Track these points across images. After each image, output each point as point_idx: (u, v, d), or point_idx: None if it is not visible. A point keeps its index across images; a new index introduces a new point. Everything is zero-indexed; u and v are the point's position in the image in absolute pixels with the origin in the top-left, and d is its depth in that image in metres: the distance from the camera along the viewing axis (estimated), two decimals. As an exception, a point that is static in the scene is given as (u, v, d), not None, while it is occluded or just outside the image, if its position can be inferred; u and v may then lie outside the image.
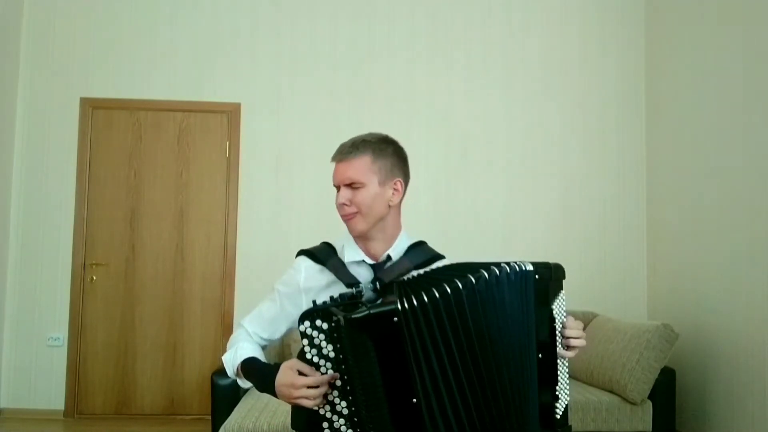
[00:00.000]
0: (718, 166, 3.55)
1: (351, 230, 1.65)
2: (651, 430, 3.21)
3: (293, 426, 1.77)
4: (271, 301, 1.75)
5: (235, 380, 1.70)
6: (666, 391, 3.30)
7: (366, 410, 1.34)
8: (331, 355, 1.38)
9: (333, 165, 1.66)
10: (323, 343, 1.38)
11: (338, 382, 1.38)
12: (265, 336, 1.74)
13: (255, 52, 4.42)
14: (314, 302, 1.42)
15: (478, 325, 1.34)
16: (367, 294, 1.46)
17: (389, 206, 1.64)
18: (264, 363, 1.64)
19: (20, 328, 4.24)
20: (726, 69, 3.52)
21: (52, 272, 4.27)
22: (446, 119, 4.43)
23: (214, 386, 3.13)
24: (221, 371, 3.19)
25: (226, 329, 4.27)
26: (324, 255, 1.69)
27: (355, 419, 1.38)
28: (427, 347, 1.31)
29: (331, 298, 1.43)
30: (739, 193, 3.37)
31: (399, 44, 4.45)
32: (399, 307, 1.30)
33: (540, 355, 1.42)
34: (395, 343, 1.29)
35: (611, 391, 3.30)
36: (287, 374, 1.44)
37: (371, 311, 1.30)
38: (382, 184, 1.61)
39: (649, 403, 3.24)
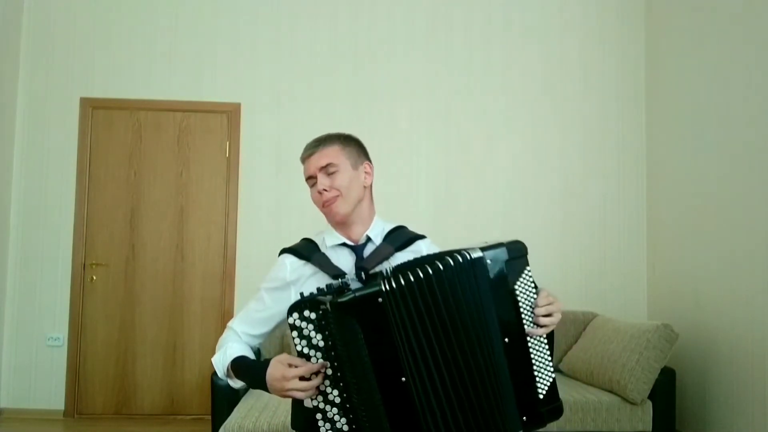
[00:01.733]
0: (718, 166, 3.55)
1: (334, 215, 1.69)
2: (651, 430, 3.21)
3: (293, 426, 1.77)
4: (257, 301, 1.77)
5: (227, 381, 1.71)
6: (666, 391, 3.29)
7: (357, 394, 1.37)
8: (321, 344, 1.42)
9: (302, 165, 1.72)
10: (312, 333, 1.42)
11: (329, 371, 1.41)
12: (255, 333, 1.75)
13: (255, 52, 4.42)
14: (302, 294, 1.46)
15: (450, 309, 1.39)
16: (354, 284, 1.49)
17: (364, 188, 1.72)
18: (254, 360, 1.66)
19: (20, 328, 4.24)
20: (726, 69, 3.52)
21: (52, 272, 4.27)
22: (446, 119, 4.42)
23: (214, 386, 3.13)
24: (221, 371, 3.19)
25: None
26: (307, 251, 1.73)
27: (348, 406, 1.40)
28: (408, 327, 1.36)
29: (318, 289, 1.45)
30: (739, 193, 3.37)
31: (399, 44, 4.45)
32: (383, 288, 1.35)
33: (506, 339, 1.43)
34: (381, 324, 1.35)
35: (611, 391, 3.30)
36: (277, 368, 1.46)
37: (356, 294, 1.35)
38: (354, 167, 1.69)
39: (649, 403, 3.24)
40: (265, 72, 4.41)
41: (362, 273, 1.61)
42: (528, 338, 1.47)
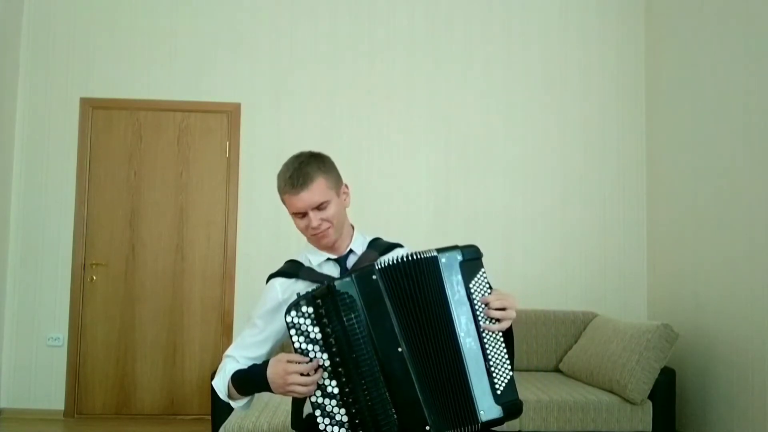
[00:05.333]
0: (718, 166, 3.55)
1: (326, 244, 1.76)
2: (651, 430, 3.21)
3: (293, 426, 1.77)
4: (251, 327, 1.79)
5: (229, 403, 1.74)
6: (666, 391, 3.29)
7: (356, 370, 1.48)
8: (318, 336, 1.50)
9: (286, 196, 1.72)
10: (310, 328, 1.50)
11: (327, 363, 1.49)
12: (253, 356, 1.76)
13: (255, 52, 4.42)
14: (298, 294, 1.55)
15: (423, 293, 1.54)
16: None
17: (345, 209, 1.80)
18: (252, 365, 1.69)
19: (20, 328, 4.24)
20: (726, 69, 3.52)
21: (52, 272, 4.27)
22: (446, 119, 4.42)
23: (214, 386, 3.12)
24: (221, 371, 3.19)
25: (226, 329, 4.27)
26: (293, 269, 1.79)
27: (347, 394, 1.47)
28: (397, 303, 1.52)
29: (312, 290, 1.53)
30: (739, 193, 3.37)
31: (399, 44, 4.45)
32: (376, 267, 1.53)
33: (461, 333, 1.54)
34: (377, 298, 1.51)
35: (611, 391, 3.30)
36: (277, 366, 1.53)
37: (353, 275, 1.53)
38: (338, 194, 1.76)
39: (649, 403, 3.24)
40: (265, 72, 4.41)
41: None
42: (483, 335, 1.55)
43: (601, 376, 3.38)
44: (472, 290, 1.57)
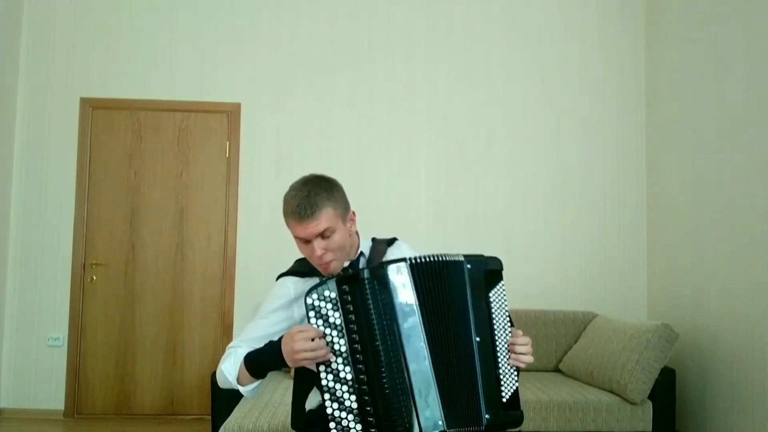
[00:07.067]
0: (718, 166, 3.55)
1: (331, 272, 1.72)
2: (651, 430, 3.21)
3: (293, 426, 1.77)
4: (258, 320, 1.79)
5: (236, 389, 1.72)
6: (666, 391, 3.30)
7: (375, 359, 1.49)
8: (339, 321, 1.51)
9: (290, 220, 1.70)
10: (330, 312, 1.52)
11: (343, 348, 1.50)
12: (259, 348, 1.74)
13: (255, 52, 4.42)
14: (320, 278, 1.57)
15: (448, 292, 1.58)
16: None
17: (350, 235, 1.77)
18: (268, 342, 1.69)
19: (20, 328, 4.24)
20: (726, 69, 3.52)
21: (52, 272, 4.27)
22: (446, 119, 4.42)
23: (214, 386, 3.13)
24: (221, 371, 3.19)
25: (226, 329, 4.27)
26: (306, 268, 1.78)
27: (359, 384, 1.48)
28: (426, 298, 1.55)
29: (339, 274, 1.56)
30: (739, 192, 3.37)
31: (399, 44, 4.45)
32: (408, 261, 1.56)
33: (477, 338, 1.57)
34: (405, 291, 1.54)
35: (611, 391, 3.30)
36: (289, 334, 1.55)
37: (385, 265, 1.55)
38: (344, 222, 1.74)
39: (649, 403, 3.24)
40: (265, 72, 4.41)
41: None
42: (496, 344, 1.59)
43: (601, 376, 3.38)
44: (491, 299, 1.61)
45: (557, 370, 3.87)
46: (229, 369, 1.69)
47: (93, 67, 4.38)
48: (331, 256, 1.68)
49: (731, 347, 3.38)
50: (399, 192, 4.33)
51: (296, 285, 1.76)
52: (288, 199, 1.69)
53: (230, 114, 4.39)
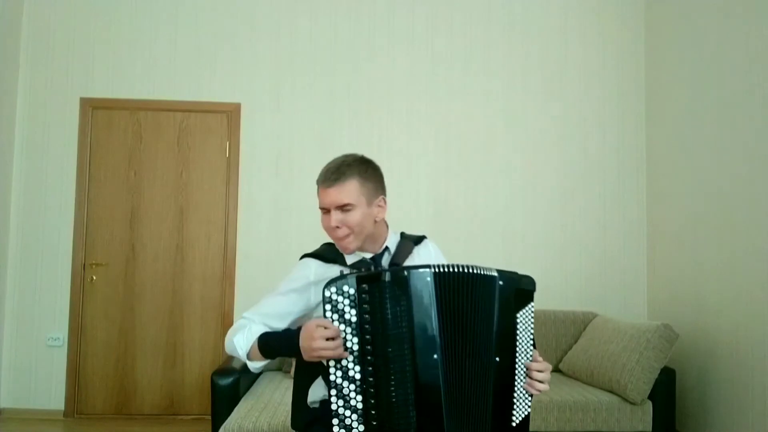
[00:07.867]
0: (718, 167, 3.55)
1: (344, 250, 1.73)
2: (651, 430, 3.21)
3: (293, 426, 1.77)
4: (274, 296, 1.77)
5: (240, 371, 1.72)
6: (666, 391, 3.30)
7: (386, 365, 1.45)
8: (354, 319, 1.48)
9: (318, 188, 1.71)
10: (347, 308, 1.48)
11: (355, 347, 1.47)
12: (273, 326, 1.74)
13: (255, 52, 4.42)
14: (341, 272, 1.53)
15: (472, 306, 1.53)
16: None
17: (375, 222, 1.74)
18: (286, 329, 1.69)
19: (20, 328, 4.24)
20: (726, 69, 3.52)
21: (52, 272, 4.27)
22: (446, 119, 4.42)
23: (214, 386, 3.13)
24: (221, 371, 3.19)
25: (226, 329, 4.26)
26: (331, 255, 1.76)
27: (366, 385, 1.45)
28: (446, 310, 1.49)
29: (357, 269, 1.55)
30: (739, 193, 3.37)
31: (399, 44, 4.45)
32: (432, 270, 1.49)
33: (497, 358, 1.53)
34: (428, 301, 1.48)
35: (611, 391, 3.30)
36: (308, 329, 1.52)
37: (408, 270, 1.50)
38: (369, 203, 1.71)
39: (649, 403, 3.24)
40: (265, 72, 4.41)
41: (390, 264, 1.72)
42: (516, 367, 1.55)
43: (601, 376, 3.38)
44: (518, 320, 1.57)
45: (557, 370, 3.87)
46: (241, 344, 1.68)
47: (93, 67, 4.38)
48: (345, 231, 1.68)
49: (731, 347, 3.38)
50: (399, 192, 4.33)
51: (318, 269, 1.74)
52: (325, 166, 1.72)
53: (230, 114, 4.39)
